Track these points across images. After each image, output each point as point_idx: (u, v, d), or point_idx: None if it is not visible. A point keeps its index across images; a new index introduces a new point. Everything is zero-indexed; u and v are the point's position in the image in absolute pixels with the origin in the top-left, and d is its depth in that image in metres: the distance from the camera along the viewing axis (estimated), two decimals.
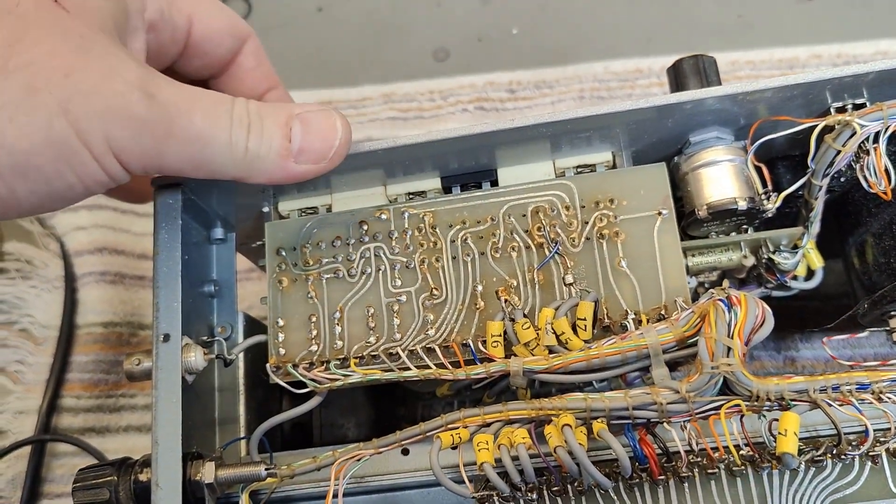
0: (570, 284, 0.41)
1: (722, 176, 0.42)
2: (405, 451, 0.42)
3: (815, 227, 0.45)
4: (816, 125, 0.40)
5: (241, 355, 0.47)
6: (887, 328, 0.46)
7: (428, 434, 0.40)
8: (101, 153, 0.34)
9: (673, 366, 0.41)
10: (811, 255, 0.46)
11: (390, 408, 0.55)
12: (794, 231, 0.45)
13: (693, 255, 0.45)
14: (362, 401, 0.53)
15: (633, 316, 0.40)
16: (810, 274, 0.48)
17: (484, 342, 0.40)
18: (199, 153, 0.36)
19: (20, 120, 0.32)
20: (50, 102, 0.33)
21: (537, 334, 0.39)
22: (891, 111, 0.39)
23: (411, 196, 0.45)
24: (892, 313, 0.45)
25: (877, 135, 0.40)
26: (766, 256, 0.46)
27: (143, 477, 0.40)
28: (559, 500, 0.40)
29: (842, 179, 0.45)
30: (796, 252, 0.46)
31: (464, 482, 0.38)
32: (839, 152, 0.40)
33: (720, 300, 0.38)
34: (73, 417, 0.64)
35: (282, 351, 0.43)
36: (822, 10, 0.68)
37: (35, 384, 0.66)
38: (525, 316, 0.40)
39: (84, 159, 0.34)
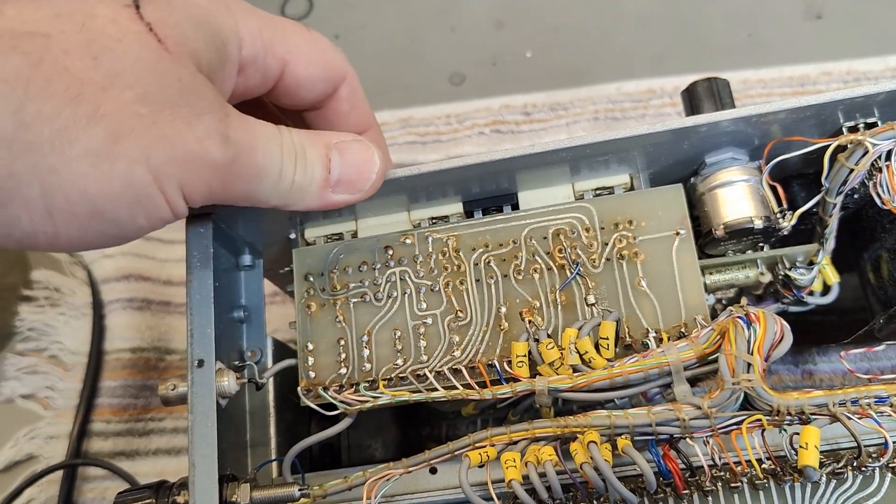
0: (592, 305, 0.42)
1: (738, 196, 0.43)
2: (433, 470, 0.43)
3: (831, 244, 0.46)
4: (829, 145, 0.41)
5: (272, 379, 0.48)
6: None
7: (456, 453, 0.41)
8: (174, 196, 0.35)
9: (693, 382, 0.42)
10: (827, 270, 0.47)
11: (416, 428, 0.56)
12: (810, 248, 0.46)
13: (711, 273, 0.46)
14: (388, 421, 0.54)
15: (654, 334, 0.41)
16: (826, 289, 0.49)
17: (509, 362, 0.41)
18: (256, 188, 0.37)
19: (103, 167, 0.32)
20: (133, 151, 0.33)
21: (561, 354, 0.40)
22: None
23: (434, 221, 0.46)
24: None
25: (889, 153, 0.41)
26: (782, 273, 0.47)
27: (180, 499, 0.41)
28: None
29: (856, 196, 0.46)
30: (812, 268, 0.47)
31: (492, 499, 0.39)
32: (852, 171, 0.41)
33: (739, 317, 0.39)
34: (104, 442, 0.65)
35: (312, 374, 0.44)
36: (831, 27, 0.69)
37: (65, 410, 0.67)
38: (549, 336, 0.41)
39: (158, 203, 0.34)
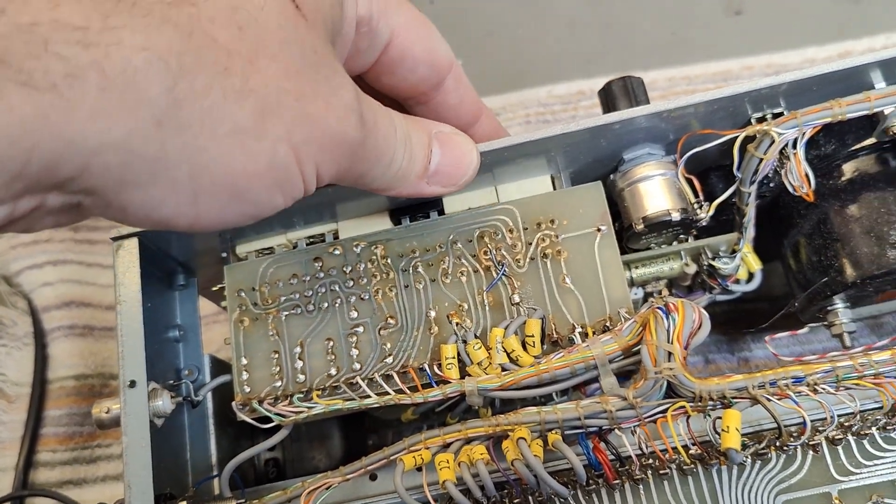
0: (517, 304, 0.43)
1: (655, 190, 0.44)
2: (373, 477, 0.44)
3: (750, 232, 0.47)
4: (738, 136, 0.42)
5: (210, 396, 0.48)
6: (825, 323, 0.48)
7: (392, 458, 0.41)
8: (310, 175, 0.34)
9: (627, 375, 0.42)
10: (749, 258, 0.49)
11: (361, 438, 0.57)
12: (731, 237, 0.47)
13: (636, 268, 0.47)
14: (333, 432, 0.54)
15: (580, 329, 0.42)
16: (751, 277, 0.50)
17: (439, 365, 0.42)
18: (371, 169, 0.37)
19: (250, 145, 0.31)
20: (279, 128, 0.32)
21: (489, 354, 0.41)
22: (805, 118, 0.41)
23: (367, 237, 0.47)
24: (829, 308, 0.48)
25: (795, 141, 0.42)
26: (706, 263, 0.48)
27: None
28: None
29: (771, 185, 0.47)
30: (735, 257, 0.48)
31: (429, 502, 0.40)
32: (762, 160, 0.42)
33: (659, 308, 0.39)
34: (50, 471, 0.64)
35: (247, 388, 0.44)
36: (751, 22, 0.71)
37: (10, 441, 0.66)
38: (476, 337, 0.42)
39: (296, 182, 0.33)
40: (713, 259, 0.48)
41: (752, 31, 0.70)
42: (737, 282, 0.50)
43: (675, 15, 0.72)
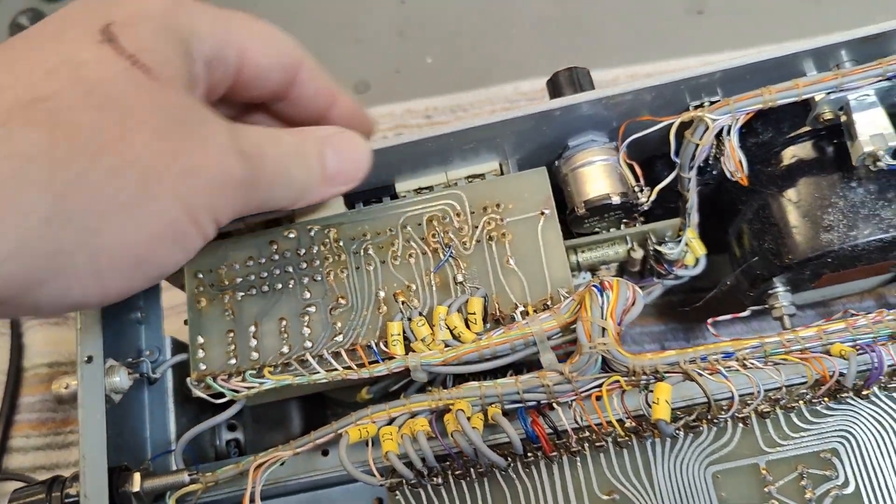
0: (461, 283, 0.44)
1: (596, 174, 0.46)
2: (325, 453, 0.45)
3: (694, 218, 0.49)
4: (674, 122, 0.44)
5: (170, 375, 0.50)
6: (766, 306, 0.49)
7: (339, 431, 0.42)
8: (206, 224, 0.35)
9: (570, 354, 0.44)
10: (693, 244, 0.50)
11: (321, 420, 0.58)
12: (674, 222, 0.48)
13: (582, 252, 0.49)
14: (293, 415, 0.55)
15: (522, 308, 0.43)
16: (697, 262, 0.51)
17: (386, 343, 0.43)
18: (271, 194, 0.38)
19: (138, 214, 0.32)
20: (164, 191, 0.33)
21: (432, 330, 0.42)
22: (737, 105, 0.43)
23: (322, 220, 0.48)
24: (770, 292, 0.49)
25: (730, 128, 0.43)
26: (652, 248, 0.49)
27: (72, 491, 0.42)
28: (463, 483, 0.43)
29: (714, 172, 0.48)
30: (679, 242, 0.49)
31: (373, 474, 0.41)
32: (698, 146, 0.44)
33: (594, 286, 0.41)
34: (24, 457, 0.66)
35: (202, 366, 0.46)
36: (714, 21, 0.72)
37: None
38: (421, 315, 0.43)
39: (193, 236, 0.35)
40: (659, 244, 0.49)
41: (714, 29, 0.72)
42: (684, 267, 0.51)
43: (639, 14, 0.74)
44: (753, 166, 0.48)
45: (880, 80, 0.42)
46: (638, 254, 0.50)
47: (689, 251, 0.50)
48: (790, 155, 0.47)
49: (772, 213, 0.47)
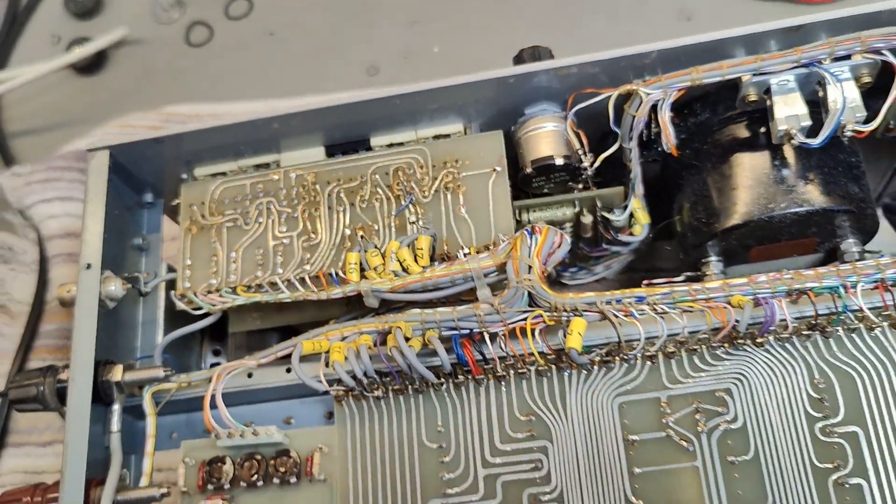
0: (414, 223, 0.50)
1: (544, 138, 0.51)
2: (288, 370, 0.51)
3: (639, 188, 0.53)
4: (612, 94, 0.49)
5: (162, 294, 0.56)
6: (699, 273, 0.54)
7: (296, 344, 0.48)
8: None
9: None
10: (638, 213, 0.54)
11: None
12: (617, 189, 0.53)
13: (533, 211, 0.54)
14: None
15: (467, 251, 0.49)
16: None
17: (344, 271, 0.49)
18: None
19: None
20: None
21: (384, 261, 0.48)
22: (668, 81, 0.48)
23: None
24: (704, 261, 0.54)
25: (663, 102, 0.49)
26: (600, 215, 0.55)
27: (63, 376, 0.49)
28: (401, 398, 0.48)
29: (659, 149, 0.53)
30: (625, 210, 0.54)
31: (321, 382, 0.47)
32: (634, 117, 0.49)
33: (526, 230, 0.47)
34: None
35: (187, 284, 0.52)
36: (700, 27, 0.77)
37: (8, 351, 0.75)
38: (376, 248, 0.49)
39: None
40: (609, 212, 0.54)
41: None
42: (631, 235, 0.56)
43: (630, 18, 0.79)
44: (692, 144, 0.53)
45: (796, 66, 0.47)
46: (587, 219, 0.55)
47: (635, 222, 0.55)
48: (723, 134, 0.52)
49: (705, 186, 0.52)
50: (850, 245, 0.51)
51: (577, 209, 0.54)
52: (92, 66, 0.91)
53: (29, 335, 0.75)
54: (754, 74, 0.48)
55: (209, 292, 0.51)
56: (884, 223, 0.59)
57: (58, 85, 0.91)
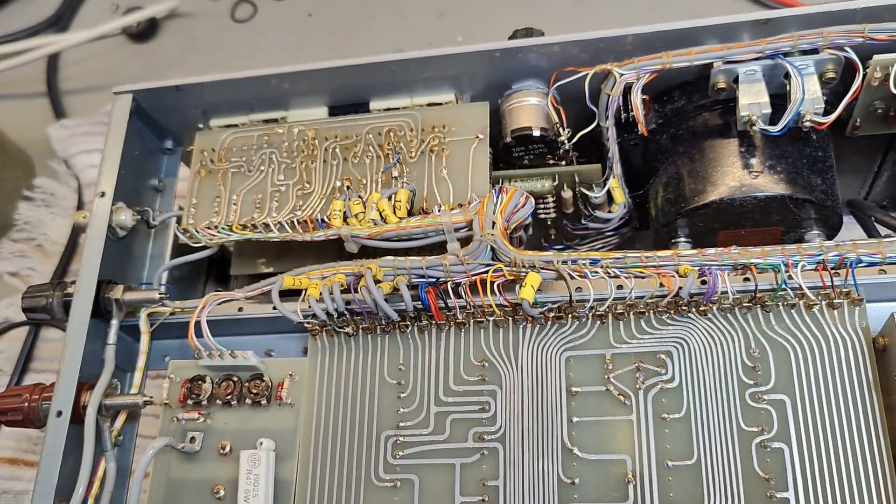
0: (396, 178, 0.54)
1: (525, 111, 0.55)
2: (274, 308, 0.55)
3: (617, 168, 0.57)
4: (588, 73, 0.52)
5: (172, 232, 0.61)
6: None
7: (279, 279, 0.53)
8: None
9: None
10: (616, 192, 0.58)
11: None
12: (595, 167, 0.57)
13: (514, 182, 0.58)
14: None
15: (443, 207, 0.53)
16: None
17: (329, 217, 0.53)
18: None
19: None
20: None
21: (365, 209, 0.52)
22: (641, 63, 0.51)
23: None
24: (673, 241, 0.56)
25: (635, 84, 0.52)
26: (579, 190, 0.58)
27: (70, 290, 0.54)
28: (369, 336, 0.52)
29: (639, 132, 0.56)
30: (604, 188, 0.58)
31: (296, 313, 0.51)
32: (609, 96, 0.52)
33: (494, 189, 0.50)
34: None
35: (191, 220, 0.57)
36: None
37: None
38: (360, 197, 0.53)
39: None
40: (587, 189, 0.58)
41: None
42: (609, 212, 0.59)
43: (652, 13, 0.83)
44: (669, 130, 0.56)
45: (762, 57, 0.50)
46: (567, 194, 0.58)
47: (613, 200, 0.58)
48: (696, 121, 0.55)
49: (677, 170, 0.55)
50: (813, 237, 0.54)
51: (555, 183, 0.58)
52: (144, 33, 0.97)
53: (60, 272, 0.81)
54: (724, 63, 0.51)
55: (208, 228, 0.56)
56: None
57: (112, 49, 0.98)
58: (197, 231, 0.56)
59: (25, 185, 0.88)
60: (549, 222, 0.62)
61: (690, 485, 0.45)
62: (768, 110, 0.50)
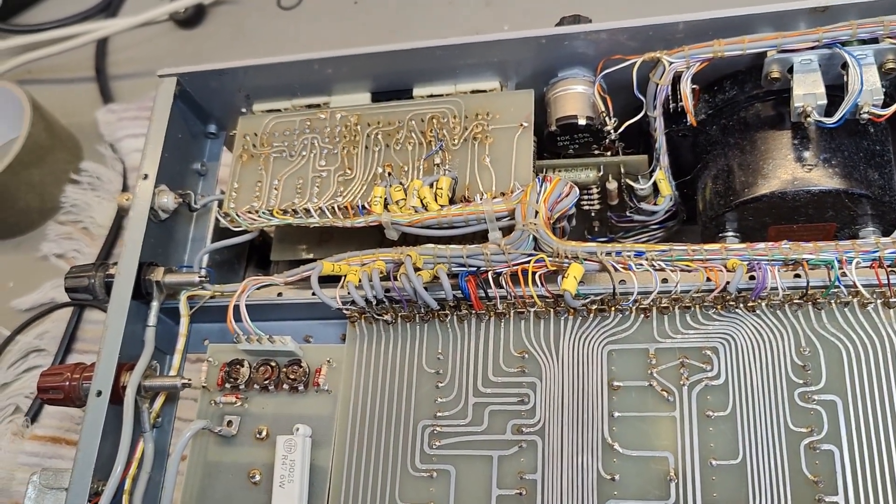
0: (438, 165, 0.53)
1: (571, 99, 0.54)
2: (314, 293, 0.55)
3: (664, 160, 0.55)
4: (637, 61, 0.51)
5: (213, 217, 0.61)
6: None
7: (318, 265, 0.52)
8: None
9: None
10: (662, 184, 0.56)
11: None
12: (641, 158, 0.56)
13: (559, 171, 0.57)
14: None
15: (485, 195, 0.52)
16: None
17: (370, 203, 0.53)
18: None
19: None
20: None
21: (406, 196, 0.52)
22: (691, 52, 0.50)
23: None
24: (720, 235, 0.55)
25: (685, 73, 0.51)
26: (624, 182, 0.57)
27: (112, 271, 0.54)
28: (408, 325, 0.51)
29: (688, 123, 0.55)
30: (650, 179, 0.56)
31: (335, 299, 0.51)
32: (658, 85, 0.51)
33: (538, 178, 0.49)
34: None
35: (232, 204, 0.57)
36: None
37: None
38: (401, 184, 0.53)
39: None
40: (633, 180, 0.57)
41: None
42: (655, 204, 0.58)
43: None
44: (720, 120, 0.54)
45: (818, 46, 0.48)
46: (612, 185, 0.57)
47: (659, 193, 0.57)
48: (749, 111, 0.53)
49: (727, 162, 0.53)
50: (868, 233, 0.52)
51: (601, 174, 0.57)
52: (191, 20, 0.98)
53: (104, 255, 0.82)
54: (778, 52, 0.49)
55: (249, 213, 0.56)
56: None
57: (160, 36, 0.99)
58: (238, 215, 0.56)
59: (73, 168, 0.89)
60: (592, 214, 0.61)
61: (735, 485, 0.44)
62: (824, 101, 0.48)
